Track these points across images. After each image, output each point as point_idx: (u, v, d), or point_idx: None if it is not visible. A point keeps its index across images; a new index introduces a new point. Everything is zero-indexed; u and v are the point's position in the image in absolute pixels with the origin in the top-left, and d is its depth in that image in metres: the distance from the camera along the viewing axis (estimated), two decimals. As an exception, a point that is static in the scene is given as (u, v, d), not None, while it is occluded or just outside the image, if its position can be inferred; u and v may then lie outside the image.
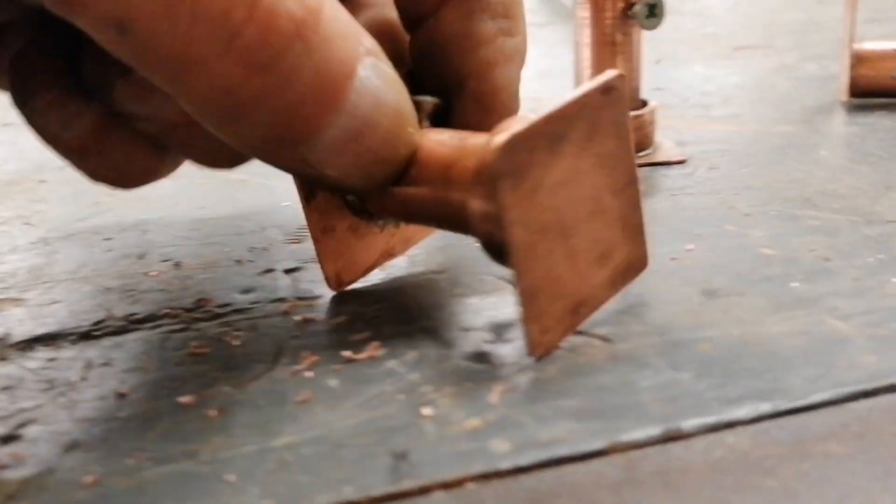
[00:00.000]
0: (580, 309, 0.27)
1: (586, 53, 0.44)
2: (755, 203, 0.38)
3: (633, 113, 0.44)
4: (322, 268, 0.30)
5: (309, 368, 0.26)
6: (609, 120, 0.27)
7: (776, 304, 0.29)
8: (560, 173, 0.26)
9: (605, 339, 0.27)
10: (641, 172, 0.31)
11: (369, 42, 0.25)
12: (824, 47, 0.69)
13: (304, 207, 0.29)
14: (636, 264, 0.29)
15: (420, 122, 0.29)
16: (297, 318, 0.30)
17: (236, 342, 0.28)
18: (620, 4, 0.42)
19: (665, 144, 0.46)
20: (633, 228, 0.29)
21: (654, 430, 0.23)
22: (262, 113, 0.23)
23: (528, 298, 0.25)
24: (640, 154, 0.44)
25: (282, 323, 0.29)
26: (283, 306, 0.31)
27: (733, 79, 0.63)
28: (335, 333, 0.28)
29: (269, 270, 0.34)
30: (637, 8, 0.42)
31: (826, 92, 0.56)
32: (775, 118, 0.51)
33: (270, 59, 0.22)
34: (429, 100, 0.29)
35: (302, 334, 0.28)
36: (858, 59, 0.52)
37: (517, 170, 0.24)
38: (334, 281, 0.30)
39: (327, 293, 0.31)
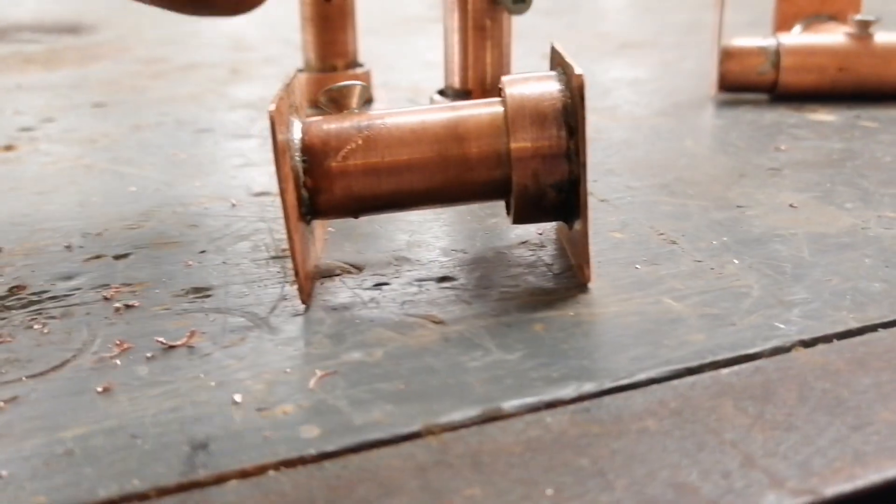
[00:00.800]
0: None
1: (455, 39, 0.43)
2: (615, 189, 0.37)
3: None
4: (297, 277, 0.26)
5: (118, 356, 0.24)
6: None
7: (616, 285, 0.28)
8: None
9: (437, 321, 0.26)
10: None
11: None
12: (705, 47, 0.71)
13: (284, 200, 0.25)
14: None
15: (350, 106, 0.29)
16: (118, 304, 0.28)
17: (45, 330, 0.26)
18: (486, -10, 0.42)
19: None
20: None
21: (472, 412, 0.22)
22: None
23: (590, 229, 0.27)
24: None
25: (100, 310, 0.27)
26: (106, 293, 0.28)
27: (615, 73, 0.64)
28: (156, 320, 0.27)
29: (98, 256, 0.31)
30: (502, -7, 0.41)
31: (699, 87, 0.57)
32: (648, 111, 0.52)
33: None
34: (359, 85, 0.29)
35: (119, 321, 0.26)
36: (726, 55, 0.53)
37: (584, 97, 0.26)
38: (307, 293, 0.27)
39: (154, 278, 0.29)
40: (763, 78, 0.53)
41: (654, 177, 0.39)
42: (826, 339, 0.25)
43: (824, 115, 0.50)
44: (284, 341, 0.25)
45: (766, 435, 0.20)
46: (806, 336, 0.25)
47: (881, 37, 0.52)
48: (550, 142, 0.27)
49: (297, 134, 0.28)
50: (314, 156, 0.27)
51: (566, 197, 0.28)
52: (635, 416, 0.21)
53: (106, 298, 0.28)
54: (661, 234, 0.32)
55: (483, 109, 0.28)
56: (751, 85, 0.54)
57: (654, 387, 0.23)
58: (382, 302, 0.27)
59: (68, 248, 0.32)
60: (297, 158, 0.27)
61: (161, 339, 0.25)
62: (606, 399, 0.22)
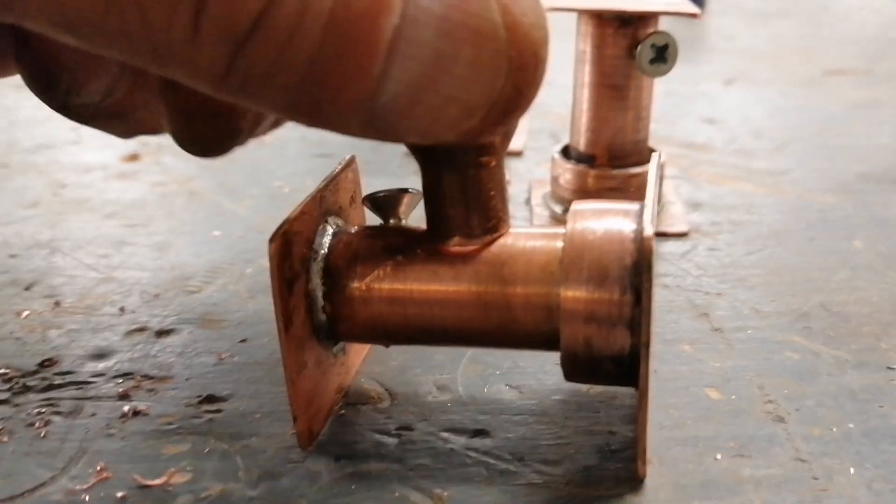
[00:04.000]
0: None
1: (583, 95, 0.37)
2: (737, 313, 0.31)
3: (633, 170, 0.37)
4: (295, 421, 0.23)
5: (90, 489, 0.23)
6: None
7: (678, 485, 0.22)
8: None
9: (439, 501, 0.22)
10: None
11: None
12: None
13: (281, 338, 0.22)
14: None
15: (397, 215, 0.25)
16: (128, 406, 0.26)
17: (42, 433, 0.25)
18: (625, 42, 0.35)
19: (672, 206, 0.39)
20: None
21: None
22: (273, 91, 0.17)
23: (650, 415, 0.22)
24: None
25: (108, 412, 0.26)
26: (126, 386, 0.27)
27: (804, 115, 0.54)
28: (151, 439, 0.24)
29: (142, 329, 0.30)
30: (640, 48, 0.35)
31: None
32: (825, 182, 0.43)
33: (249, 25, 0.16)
34: (407, 191, 0.25)
35: (117, 433, 0.25)
36: (941, 121, 0.43)
37: (653, 265, 0.21)
38: (306, 436, 0.24)
39: (180, 372, 0.27)
40: None
41: (794, 297, 0.32)
42: None
43: None
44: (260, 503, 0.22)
45: None
46: None
47: None
48: (610, 307, 0.22)
49: (324, 247, 0.24)
50: (336, 279, 0.24)
51: (628, 370, 0.22)
52: None
53: (122, 396, 0.26)
54: (770, 400, 0.26)
55: (539, 243, 0.23)
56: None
57: None
58: (394, 457, 0.24)
59: (121, 311, 0.31)
60: (317, 280, 0.24)
61: (138, 475, 0.23)
62: None
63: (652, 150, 0.39)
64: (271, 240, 0.22)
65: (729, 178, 0.44)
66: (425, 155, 0.23)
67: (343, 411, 0.26)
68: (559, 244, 0.23)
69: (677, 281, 0.33)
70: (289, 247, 0.23)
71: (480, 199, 0.23)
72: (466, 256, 0.23)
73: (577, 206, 0.24)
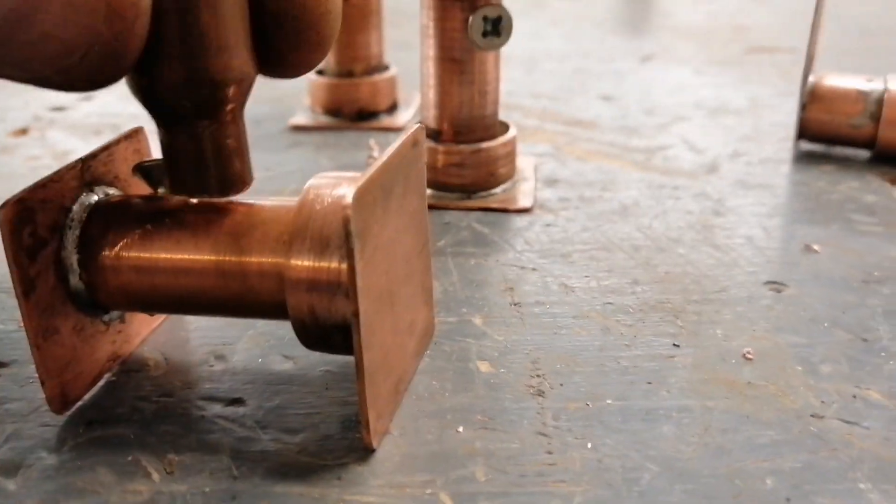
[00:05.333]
0: (399, 386, 0.25)
1: (429, 69, 0.37)
2: (541, 290, 0.31)
3: (480, 146, 0.37)
4: (42, 385, 0.23)
5: None
6: (415, 175, 0.25)
7: (408, 457, 0.23)
8: (388, 232, 0.23)
9: (170, 470, 0.22)
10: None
11: None
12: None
13: (21, 303, 0.22)
14: (429, 330, 0.28)
15: (167, 184, 0.25)
16: None
17: None
18: (462, 14, 0.35)
19: (525, 184, 0.39)
20: (427, 292, 0.27)
21: None
22: None
23: (369, 380, 0.22)
24: (482, 192, 0.38)
25: None
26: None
27: (708, 93, 0.54)
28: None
29: (-50, 296, 0.30)
30: (472, 21, 0.35)
31: (788, 126, 0.47)
32: (696, 161, 0.43)
33: None
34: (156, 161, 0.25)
35: None
36: (812, 97, 0.43)
37: (365, 228, 0.21)
38: (58, 401, 0.24)
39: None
40: (858, 132, 0.42)
41: (608, 273, 0.32)
42: None
43: (916, 198, 0.39)
44: (-4, 464, 0.22)
45: None
46: None
47: None
48: (329, 275, 0.22)
49: (82, 216, 0.24)
50: (89, 247, 0.24)
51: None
52: None
53: None
54: (538, 375, 0.26)
55: (276, 214, 0.23)
56: (841, 138, 0.43)
57: None
58: (145, 422, 0.24)
59: None
60: (71, 248, 0.24)
61: None
62: None
63: (506, 126, 0.39)
64: (2, 206, 0.22)
65: (600, 154, 0.44)
66: (155, 113, 0.23)
67: (115, 377, 0.26)
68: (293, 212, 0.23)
69: (498, 256, 0.33)
70: (29, 215, 0.23)
71: (215, 157, 0.23)
72: (208, 225, 0.24)
73: (316, 178, 0.24)
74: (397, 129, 0.47)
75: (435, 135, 0.38)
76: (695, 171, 0.42)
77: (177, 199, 0.25)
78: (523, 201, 0.37)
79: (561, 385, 0.26)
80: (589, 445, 0.23)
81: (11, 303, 0.30)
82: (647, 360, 0.27)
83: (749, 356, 0.27)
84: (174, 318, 0.29)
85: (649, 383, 0.26)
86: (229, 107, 0.23)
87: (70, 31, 0.18)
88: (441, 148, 0.37)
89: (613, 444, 0.23)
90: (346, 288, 0.22)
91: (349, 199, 0.20)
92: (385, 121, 0.48)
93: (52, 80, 0.20)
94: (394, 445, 0.23)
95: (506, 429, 0.24)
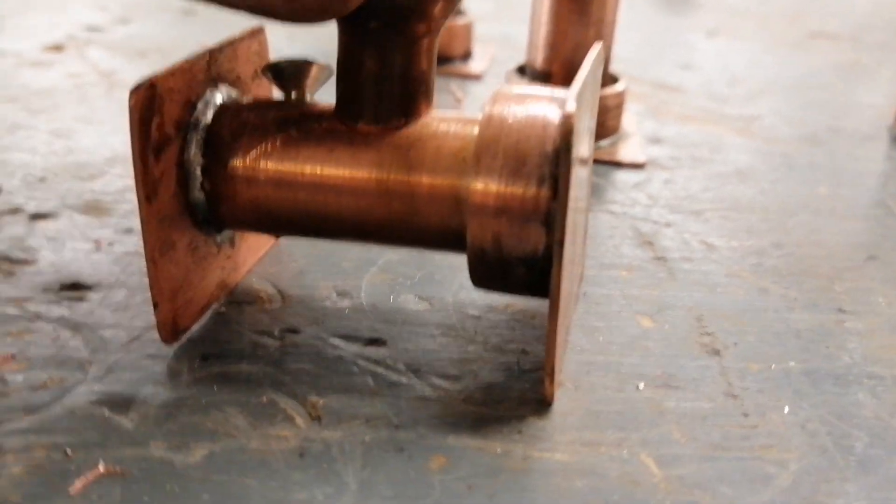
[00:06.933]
0: (567, 335, 0.22)
1: (542, 6, 0.34)
2: (685, 243, 0.28)
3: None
4: (155, 308, 0.20)
5: None
6: (595, 96, 0.22)
7: (590, 413, 0.20)
8: (582, 155, 0.20)
9: (315, 415, 0.19)
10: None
11: None
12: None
13: (142, 210, 0.19)
14: (582, 278, 0.25)
15: (301, 89, 0.21)
16: (-23, 286, 0.22)
17: None
18: (589, -53, 0.32)
19: (632, 138, 0.36)
20: (586, 234, 0.25)
21: None
22: None
23: (558, 334, 0.19)
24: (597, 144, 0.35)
25: (-48, 289, 0.22)
26: (-20, 265, 0.23)
27: (783, 70, 0.51)
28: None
29: (14, 211, 0.26)
30: (606, -45, 0.31)
31: (884, 111, 0.44)
32: (795, 131, 0.40)
33: None
34: (315, 62, 0.22)
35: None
36: (925, 74, 0.40)
37: (573, 147, 0.17)
38: (169, 328, 0.20)
39: (47, 257, 0.24)
40: (969, 113, 0.40)
41: (748, 234, 0.29)
42: None
43: None
44: (101, 397, 0.19)
45: None
46: None
47: None
48: (524, 199, 0.19)
49: (208, 115, 0.21)
50: (217, 152, 0.20)
51: (541, 277, 0.19)
52: None
53: (-26, 274, 0.23)
54: (708, 333, 0.23)
55: (454, 128, 0.20)
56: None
57: None
58: (272, 360, 0.21)
59: (-2, 191, 0.28)
60: (195, 150, 0.20)
61: (-32, 354, 0.20)
62: None
63: (614, 79, 0.36)
64: (134, 90, 0.18)
65: (697, 119, 0.41)
66: (345, 23, 0.20)
67: (224, 309, 0.23)
68: (476, 130, 0.20)
69: (625, 209, 0.30)
70: (159, 104, 0.19)
71: (401, 81, 0.20)
72: (370, 136, 0.20)
73: (501, 90, 0.20)
74: (474, 76, 0.44)
75: (543, 76, 0.34)
76: (797, 140, 0.39)
77: (322, 104, 0.21)
78: (636, 156, 0.34)
79: (735, 345, 0.23)
80: (786, 409, 0.20)
81: (83, 220, 0.26)
82: (816, 324, 0.24)
83: (922, 328, 0.24)
84: (282, 247, 0.26)
85: (827, 347, 0.23)
86: (433, 26, 0.20)
87: None
88: (547, 93, 0.34)
89: (812, 409, 0.20)
90: (542, 214, 0.18)
91: (569, 106, 0.17)
92: (460, 67, 0.45)
93: (280, 11, 0.16)
94: (570, 400, 0.20)
95: (691, 388, 0.21)
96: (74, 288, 0.23)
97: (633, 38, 0.56)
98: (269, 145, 0.20)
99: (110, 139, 0.32)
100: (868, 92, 0.48)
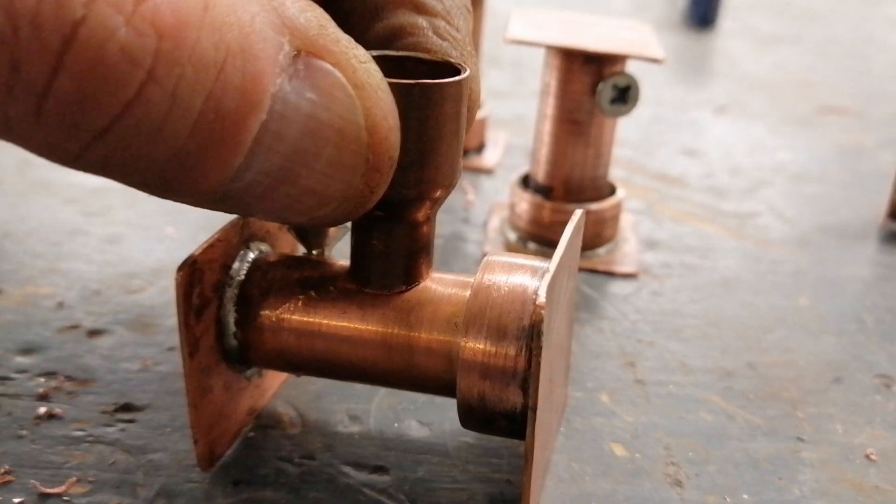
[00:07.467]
0: (547, 466, 0.25)
1: (545, 127, 0.37)
2: (664, 367, 0.31)
3: (589, 206, 0.37)
4: (195, 444, 0.24)
5: (-11, 492, 0.23)
6: (575, 259, 0.26)
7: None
8: (558, 323, 0.23)
9: (320, 546, 0.22)
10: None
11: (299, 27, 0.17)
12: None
13: (185, 365, 0.23)
14: (566, 405, 0.28)
15: (321, 245, 0.25)
16: (45, 408, 0.26)
17: (-47, 428, 0.25)
18: (588, 79, 0.35)
19: (627, 244, 0.40)
20: (568, 368, 0.28)
21: None
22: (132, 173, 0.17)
23: (537, 477, 0.22)
24: (587, 252, 0.38)
25: (24, 412, 0.26)
26: (47, 386, 0.27)
27: (786, 156, 0.54)
28: (60, 444, 0.25)
29: (75, 327, 0.30)
30: (601, 88, 0.35)
31: (876, 205, 0.47)
32: (787, 230, 0.43)
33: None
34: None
35: (29, 435, 0.25)
36: (910, 181, 0.43)
37: (548, 326, 0.21)
38: (207, 458, 0.24)
39: (103, 376, 0.28)
40: (952, 217, 0.42)
41: (723, 354, 0.32)
42: None
43: None
44: (153, 522, 0.23)
45: None
46: None
47: None
48: (504, 365, 0.22)
49: (241, 274, 0.25)
50: (249, 307, 0.24)
51: (521, 427, 0.23)
52: None
53: (41, 396, 0.27)
54: (673, 463, 0.26)
55: (449, 292, 0.24)
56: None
57: None
58: (292, 487, 0.24)
59: (59, 305, 0.32)
60: (230, 307, 0.24)
61: (39, 482, 0.24)
62: None
63: (612, 187, 0.39)
64: (180, 269, 0.22)
65: (695, 217, 0.44)
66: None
67: (252, 433, 0.26)
68: (468, 295, 0.23)
69: (613, 325, 0.33)
70: (199, 276, 0.23)
71: (405, 257, 0.23)
72: (377, 300, 0.24)
73: (491, 258, 0.24)
74: (486, 171, 0.48)
75: (545, 191, 0.38)
76: (787, 243, 0.42)
77: (339, 264, 0.25)
78: (629, 266, 0.38)
79: (696, 475, 0.26)
80: (735, 546, 0.23)
81: (132, 338, 0.30)
82: (774, 453, 0.27)
83: (873, 457, 0.27)
84: (301, 370, 0.29)
85: (780, 479, 0.26)
86: (434, 209, 0.23)
87: (330, 187, 0.18)
88: (549, 205, 0.38)
89: (759, 547, 0.23)
90: (520, 378, 0.22)
91: (540, 300, 0.20)
92: (473, 161, 0.48)
93: (298, 223, 0.20)
94: (544, 532, 0.23)
95: (651, 522, 0.24)
96: (126, 409, 0.27)
97: (643, 115, 0.60)
98: (293, 304, 0.24)
99: (154, 246, 0.36)
100: (865, 180, 0.51)
